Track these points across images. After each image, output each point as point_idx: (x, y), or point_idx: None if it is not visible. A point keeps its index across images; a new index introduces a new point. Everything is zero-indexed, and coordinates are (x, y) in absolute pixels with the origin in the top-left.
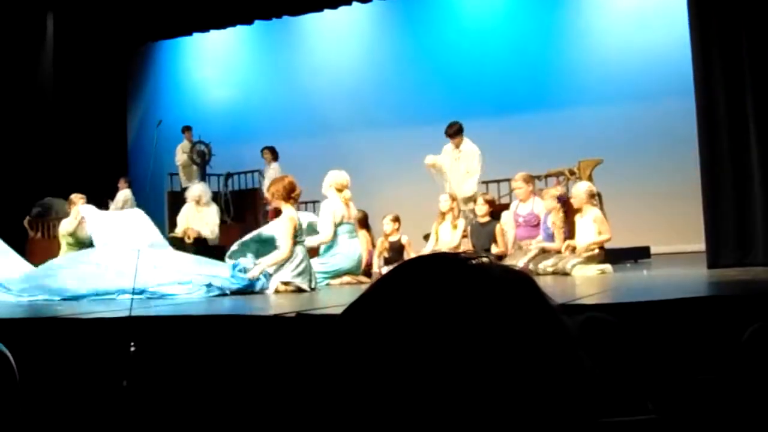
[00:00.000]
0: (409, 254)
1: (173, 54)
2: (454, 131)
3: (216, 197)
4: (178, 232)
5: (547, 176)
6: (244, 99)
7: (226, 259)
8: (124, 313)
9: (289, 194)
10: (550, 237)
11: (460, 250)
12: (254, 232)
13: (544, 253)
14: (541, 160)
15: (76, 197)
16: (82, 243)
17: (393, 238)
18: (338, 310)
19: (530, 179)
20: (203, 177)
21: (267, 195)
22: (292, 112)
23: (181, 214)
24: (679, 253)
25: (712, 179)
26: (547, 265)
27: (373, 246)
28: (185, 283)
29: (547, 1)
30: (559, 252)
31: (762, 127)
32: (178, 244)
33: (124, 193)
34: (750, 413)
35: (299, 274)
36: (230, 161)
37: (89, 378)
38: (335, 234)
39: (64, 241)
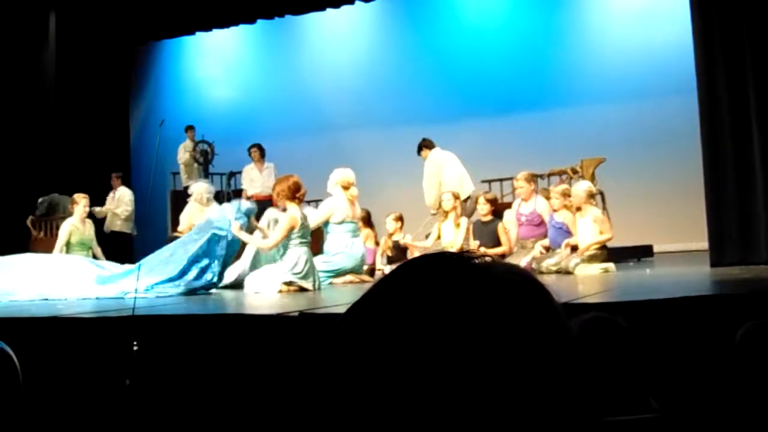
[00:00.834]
0: (413, 253)
1: (176, 53)
2: (418, 148)
3: (218, 196)
4: (183, 229)
5: (549, 175)
6: (247, 98)
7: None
8: (127, 313)
9: (294, 194)
10: (560, 234)
11: (464, 248)
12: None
13: (547, 251)
14: (544, 159)
15: (78, 197)
16: (84, 244)
17: (396, 237)
18: (341, 310)
19: (532, 178)
20: (205, 176)
21: (272, 194)
22: (295, 112)
23: (184, 213)
24: (682, 252)
25: (714, 178)
26: (550, 263)
27: (377, 244)
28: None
29: (550, 0)
30: (576, 248)
31: (765, 125)
32: None
33: (123, 192)
34: (745, 411)
35: (303, 276)
36: (233, 160)
37: (92, 377)
38: (329, 232)
39: (60, 243)
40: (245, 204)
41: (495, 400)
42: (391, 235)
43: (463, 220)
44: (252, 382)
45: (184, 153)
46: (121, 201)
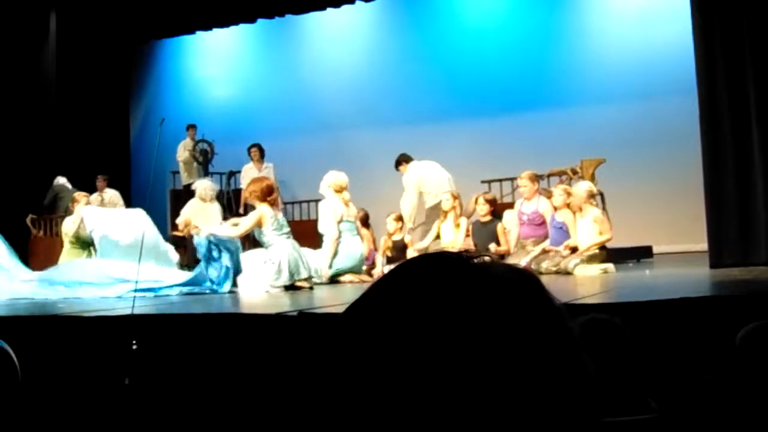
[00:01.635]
0: (412, 253)
1: (176, 52)
2: (396, 164)
3: (218, 195)
4: (180, 222)
5: (549, 175)
6: (247, 97)
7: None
8: (127, 312)
9: (265, 196)
10: (560, 234)
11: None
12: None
13: (546, 252)
14: (544, 160)
15: (79, 195)
16: (85, 242)
17: (396, 237)
18: (340, 309)
19: (536, 178)
20: (205, 175)
21: (244, 192)
22: (295, 111)
23: (185, 208)
24: (682, 253)
25: (714, 179)
26: (549, 264)
27: (374, 246)
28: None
29: (550, 0)
30: (576, 249)
31: (765, 126)
32: (180, 241)
33: (113, 193)
34: (745, 412)
35: (291, 276)
36: (233, 159)
37: (91, 376)
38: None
39: (66, 239)
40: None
41: (495, 399)
42: (391, 235)
43: (463, 221)
44: (251, 382)
45: (183, 151)
46: (113, 202)
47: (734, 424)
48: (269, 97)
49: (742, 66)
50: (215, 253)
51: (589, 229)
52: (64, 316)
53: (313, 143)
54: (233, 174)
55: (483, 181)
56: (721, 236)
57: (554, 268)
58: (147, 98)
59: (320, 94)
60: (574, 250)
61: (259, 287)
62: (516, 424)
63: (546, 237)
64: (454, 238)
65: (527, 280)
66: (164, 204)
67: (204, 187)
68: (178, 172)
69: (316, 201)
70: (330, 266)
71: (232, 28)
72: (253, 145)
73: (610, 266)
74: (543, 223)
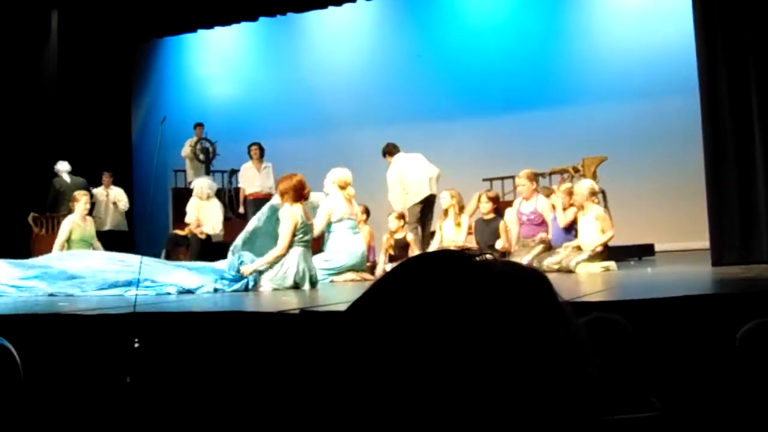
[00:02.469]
0: (414, 251)
1: (177, 51)
2: (382, 153)
3: (220, 194)
4: (191, 222)
5: (551, 173)
6: (248, 96)
7: (229, 254)
8: (128, 310)
9: (299, 193)
10: (562, 233)
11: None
12: (253, 223)
13: (548, 250)
14: (546, 158)
15: (79, 194)
16: (85, 241)
17: (398, 236)
18: (342, 307)
19: (534, 177)
20: (207, 174)
21: (276, 191)
22: (297, 109)
23: (191, 207)
24: (684, 251)
25: (716, 176)
26: (551, 262)
27: (373, 241)
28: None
29: None
30: (578, 247)
31: (767, 124)
32: (181, 240)
33: (118, 190)
34: (747, 410)
35: (296, 280)
36: (234, 158)
37: (93, 374)
38: (331, 231)
39: (60, 238)
40: (236, 261)
41: (498, 396)
42: (393, 233)
43: (464, 219)
44: (253, 380)
45: (187, 147)
46: (118, 199)
47: (736, 421)
48: (271, 96)
49: (743, 64)
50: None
51: (591, 227)
52: (65, 314)
53: (314, 141)
54: (234, 172)
55: (485, 179)
56: (722, 234)
57: (556, 266)
58: (149, 96)
59: (322, 92)
60: (575, 248)
61: (261, 284)
62: (519, 421)
63: (547, 235)
64: (455, 236)
65: (531, 277)
66: (166, 202)
67: (200, 185)
68: (180, 171)
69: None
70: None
71: (234, 26)
72: (253, 144)
73: (611, 264)
74: (543, 222)
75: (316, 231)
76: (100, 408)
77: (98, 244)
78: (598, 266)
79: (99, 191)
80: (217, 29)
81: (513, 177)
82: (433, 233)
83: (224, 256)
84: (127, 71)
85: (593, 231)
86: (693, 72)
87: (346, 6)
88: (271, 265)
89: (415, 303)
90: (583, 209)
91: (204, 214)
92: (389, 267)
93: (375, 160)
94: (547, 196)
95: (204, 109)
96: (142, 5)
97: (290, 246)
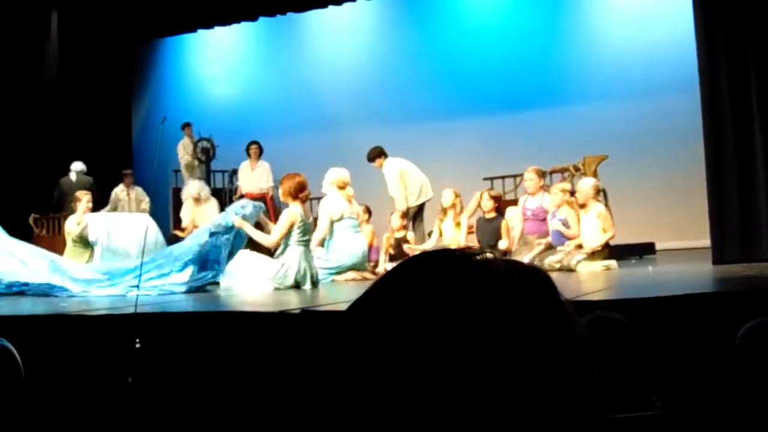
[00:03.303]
0: (414, 251)
1: (177, 51)
2: (372, 156)
3: (220, 194)
4: (186, 225)
5: (552, 172)
6: (249, 96)
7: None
8: (129, 310)
9: (298, 193)
10: (561, 231)
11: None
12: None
13: (550, 248)
14: (546, 157)
15: (80, 194)
16: (87, 242)
17: (399, 234)
18: (343, 307)
19: (542, 173)
20: (208, 174)
21: (279, 189)
22: (297, 109)
23: (184, 212)
24: (685, 249)
25: (717, 175)
26: (552, 260)
27: (375, 240)
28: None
29: None
30: (579, 246)
31: (767, 123)
32: (180, 241)
33: (138, 188)
34: (748, 409)
35: (285, 276)
36: (234, 158)
37: (94, 375)
38: (332, 230)
39: (68, 238)
40: (249, 205)
41: (500, 396)
42: (394, 231)
43: (464, 218)
44: (254, 380)
45: (184, 153)
46: (139, 199)
47: (737, 420)
48: (271, 96)
49: (744, 62)
50: (224, 241)
51: (592, 225)
52: (66, 315)
53: (314, 141)
54: (235, 172)
55: (485, 179)
56: (723, 233)
57: (557, 265)
58: (149, 97)
59: (322, 92)
60: (578, 246)
61: (261, 284)
62: (520, 421)
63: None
64: (455, 236)
65: (533, 276)
66: (167, 202)
67: (195, 188)
68: (180, 171)
69: (318, 199)
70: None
71: (234, 26)
72: (252, 143)
73: (612, 263)
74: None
75: (321, 235)
76: (101, 408)
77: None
78: (599, 265)
79: (120, 191)
80: (217, 29)
81: (514, 176)
82: (430, 233)
83: None
84: (128, 71)
85: (594, 229)
86: (693, 70)
87: (346, 5)
88: (270, 253)
89: (416, 302)
90: (586, 207)
91: (201, 216)
92: (390, 266)
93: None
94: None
95: (204, 108)
96: (142, 5)
97: (287, 245)
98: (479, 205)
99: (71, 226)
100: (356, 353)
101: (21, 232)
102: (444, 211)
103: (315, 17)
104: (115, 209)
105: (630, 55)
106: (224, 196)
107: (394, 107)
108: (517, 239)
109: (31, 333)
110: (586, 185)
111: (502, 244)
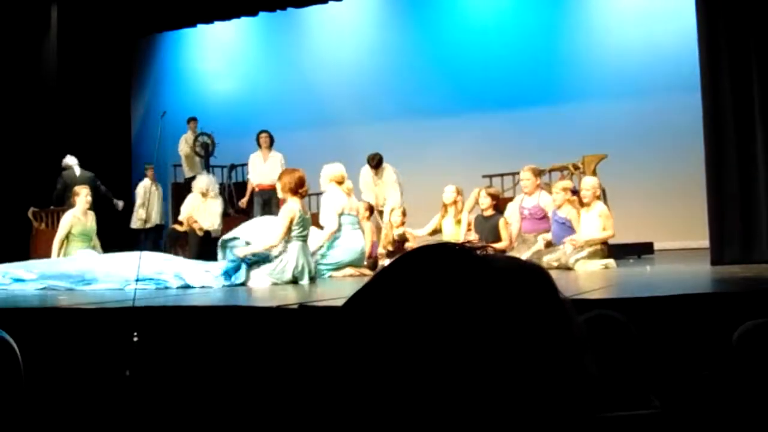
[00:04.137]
0: (412, 247)
1: (177, 45)
2: (377, 163)
3: (220, 189)
4: (183, 218)
5: (551, 171)
6: (248, 91)
7: (218, 249)
8: (127, 304)
9: (297, 188)
10: (563, 230)
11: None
12: (251, 223)
13: (548, 247)
14: (545, 155)
15: (79, 188)
16: (86, 236)
17: (398, 231)
18: (340, 302)
19: (538, 172)
20: (207, 169)
21: (277, 184)
22: (296, 104)
23: (186, 203)
24: (683, 250)
25: (716, 175)
26: (550, 259)
27: (377, 237)
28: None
29: None
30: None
31: None
32: (181, 235)
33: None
34: (745, 409)
35: (294, 275)
36: (234, 153)
37: (92, 368)
38: (340, 225)
39: (63, 232)
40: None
41: (497, 391)
42: (393, 227)
43: (464, 216)
44: (251, 375)
45: (185, 145)
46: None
47: (734, 420)
48: (271, 91)
49: (746, 61)
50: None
51: (593, 224)
52: (64, 308)
53: (314, 137)
54: (234, 167)
55: (484, 176)
56: (722, 233)
57: (555, 263)
58: (148, 91)
59: (322, 88)
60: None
61: (259, 279)
62: (518, 417)
63: (548, 230)
64: (454, 233)
65: (532, 273)
66: (166, 197)
67: (201, 185)
68: (179, 165)
69: (318, 195)
70: (321, 256)
71: (234, 21)
72: (262, 132)
73: (611, 262)
74: (545, 217)
75: (332, 229)
76: (99, 401)
77: (97, 241)
78: (597, 264)
79: (148, 185)
80: (217, 24)
81: (513, 174)
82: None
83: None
84: (127, 66)
85: (595, 228)
86: (695, 70)
87: (347, 1)
88: (267, 257)
89: (415, 296)
90: (588, 206)
91: (201, 211)
92: (386, 262)
93: None
94: (550, 192)
95: (203, 103)
96: (141, 0)
97: (287, 240)
98: (477, 203)
99: (69, 221)
100: (355, 348)
101: (20, 226)
102: (445, 207)
103: (315, 13)
104: (143, 204)
105: (630, 53)
106: (223, 191)
107: (394, 103)
108: (514, 237)
109: (28, 326)
110: (593, 183)
111: (504, 245)
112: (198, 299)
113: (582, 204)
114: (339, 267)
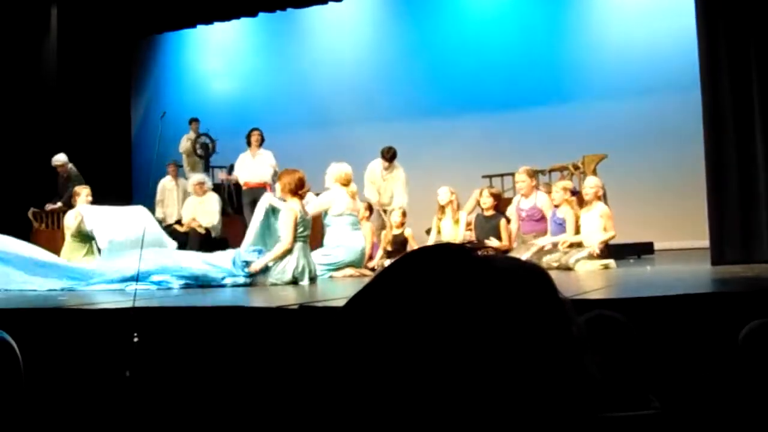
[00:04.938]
0: (412, 248)
1: (177, 46)
2: (391, 156)
3: (219, 189)
4: (186, 222)
5: (551, 171)
6: (248, 91)
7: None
8: (128, 304)
9: (297, 189)
10: (560, 230)
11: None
12: (252, 230)
13: (554, 246)
14: (545, 155)
15: (80, 188)
16: (86, 236)
17: (397, 231)
18: (341, 303)
19: (533, 174)
20: (206, 169)
21: (278, 184)
22: (296, 105)
23: (185, 207)
24: (683, 250)
25: (716, 175)
26: (550, 259)
27: (376, 238)
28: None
29: None
30: (578, 245)
31: None
32: (182, 237)
33: (184, 183)
34: (745, 409)
35: (283, 272)
36: (234, 153)
37: (92, 368)
38: (329, 226)
39: (68, 233)
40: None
41: (497, 392)
42: (392, 228)
43: (462, 215)
44: (252, 375)
45: (186, 142)
46: (185, 187)
47: (734, 420)
48: (270, 91)
49: (746, 61)
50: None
51: (594, 224)
52: (65, 309)
53: (314, 137)
54: (233, 167)
55: (484, 176)
56: (722, 233)
57: (555, 264)
58: (148, 92)
59: (321, 87)
60: (575, 245)
61: (258, 279)
62: (518, 417)
63: (546, 231)
64: (453, 233)
65: (532, 273)
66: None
67: (192, 183)
68: (180, 166)
69: (317, 194)
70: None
71: (234, 21)
72: (253, 130)
73: (611, 262)
74: (542, 218)
75: (311, 212)
76: (99, 402)
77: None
78: (597, 264)
79: (168, 181)
80: (217, 25)
81: (513, 174)
82: (428, 231)
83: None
84: (127, 67)
85: (596, 228)
86: (694, 70)
87: (346, 1)
88: (280, 259)
89: (415, 297)
90: (589, 206)
91: (199, 211)
92: (387, 263)
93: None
94: (548, 192)
95: (203, 104)
96: (141, 1)
97: (294, 240)
98: (478, 203)
99: (70, 221)
100: (355, 348)
101: (20, 226)
102: (441, 208)
103: (315, 13)
104: (163, 200)
105: (630, 53)
106: (223, 192)
107: (394, 104)
108: (513, 238)
109: (29, 326)
110: (595, 184)
111: (499, 243)
112: (198, 299)
113: (582, 204)
114: (339, 267)
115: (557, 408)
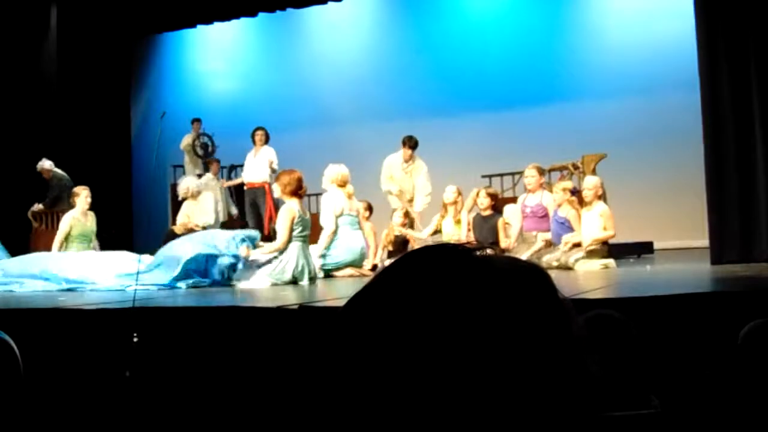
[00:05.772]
0: (413, 247)
1: (177, 46)
2: (414, 144)
3: (219, 189)
4: (179, 225)
5: (550, 170)
6: (248, 91)
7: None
8: (128, 305)
9: (296, 189)
10: (562, 229)
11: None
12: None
13: (548, 246)
14: (545, 154)
15: (79, 189)
16: (86, 237)
17: (396, 231)
18: (341, 303)
19: (542, 171)
20: (205, 169)
21: (277, 184)
22: (296, 105)
23: (181, 212)
24: (683, 249)
25: (716, 174)
26: (551, 258)
27: (376, 238)
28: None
29: None
30: (580, 244)
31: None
32: (177, 237)
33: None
34: (745, 408)
35: (283, 272)
36: (234, 153)
37: (92, 368)
38: (337, 226)
39: (61, 234)
40: (242, 232)
41: (498, 391)
42: (393, 228)
43: (464, 215)
44: (252, 375)
45: (187, 139)
46: (211, 186)
47: (734, 420)
48: (270, 91)
49: (745, 61)
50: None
51: (594, 224)
52: (65, 309)
53: (314, 137)
54: (234, 168)
55: (483, 176)
56: (722, 232)
57: (555, 263)
58: (148, 92)
59: (321, 87)
60: (576, 245)
61: (259, 280)
62: (518, 417)
63: (549, 230)
64: (454, 233)
65: (532, 273)
66: (165, 198)
67: (184, 187)
68: (179, 166)
69: (317, 195)
70: (322, 257)
71: (234, 21)
72: (258, 128)
73: (611, 261)
74: (546, 215)
75: (330, 230)
76: (99, 402)
77: (96, 242)
78: (597, 263)
79: (210, 178)
80: (217, 25)
81: (512, 174)
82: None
83: None
84: (127, 67)
85: (596, 227)
86: (694, 69)
87: (346, 1)
88: (269, 260)
89: (415, 297)
90: (589, 205)
91: (195, 212)
92: (387, 262)
93: (374, 156)
94: (551, 191)
95: (203, 104)
96: (141, 1)
97: (289, 240)
98: (475, 203)
99: (69, 222)
100: (355, 348)
101: (20, 226)
102: (445, 207)
103: (315, 13)
104: (199, 193)
105: (630, 52)
106: (223, 192)
107: (394, 103)
108: (515, 237)
109: (28, 326)
110: (595, 183)
111: (505, 244)
112: (198, 300)
113: (582, 204)
114: (339, 267)
115: (558, 407)
